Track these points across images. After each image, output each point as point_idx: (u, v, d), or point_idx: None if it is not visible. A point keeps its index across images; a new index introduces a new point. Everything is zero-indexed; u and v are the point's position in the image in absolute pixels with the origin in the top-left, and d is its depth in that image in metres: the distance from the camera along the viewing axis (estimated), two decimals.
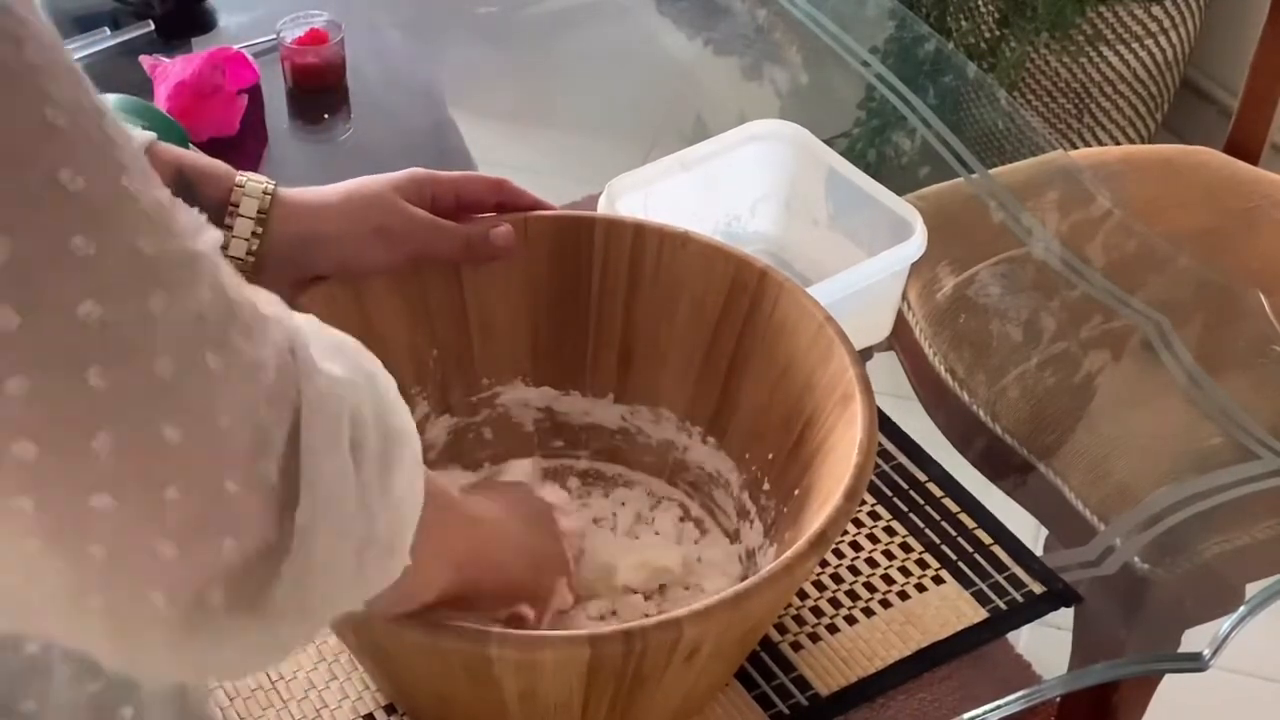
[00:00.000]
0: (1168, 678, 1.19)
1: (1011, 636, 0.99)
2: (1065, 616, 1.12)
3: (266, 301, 0.57)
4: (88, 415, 0.48)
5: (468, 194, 0.97)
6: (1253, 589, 1.04)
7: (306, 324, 0.59)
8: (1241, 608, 0.99)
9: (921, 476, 1.05)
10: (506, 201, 0.99)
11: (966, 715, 0.91)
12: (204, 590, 0.52)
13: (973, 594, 0.97)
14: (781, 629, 0.94)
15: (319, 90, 1.46)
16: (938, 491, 1.04)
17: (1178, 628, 1.09)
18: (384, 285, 0.96)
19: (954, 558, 0.99)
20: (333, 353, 0.59)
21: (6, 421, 0.47)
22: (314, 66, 1.44)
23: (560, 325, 1.01)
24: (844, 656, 0.93)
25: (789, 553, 0.78)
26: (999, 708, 0.92)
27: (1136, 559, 1.07)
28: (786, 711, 0.90)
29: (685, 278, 0.98)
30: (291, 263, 0.93)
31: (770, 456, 0.94)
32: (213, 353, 0.51)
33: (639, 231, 0.99)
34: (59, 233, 0.47)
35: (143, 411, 0.49)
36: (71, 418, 0.48)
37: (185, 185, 0.89)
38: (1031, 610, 0.97)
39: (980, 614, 0.96)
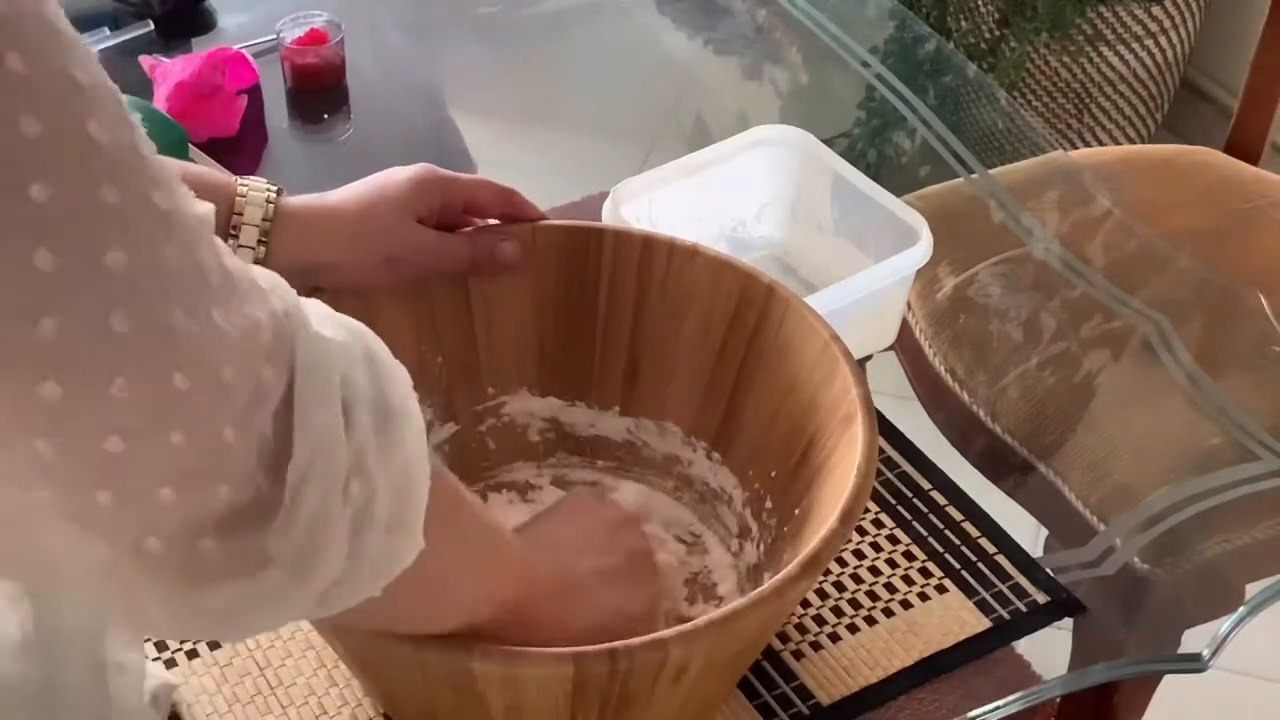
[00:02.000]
0: (1168, 678, 1.19)
1: None
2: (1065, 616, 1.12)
3: (265, 275, 0.59)
4: (110, 359, 0.50)
5: (476, 201, 0.97)
6: (1253, 589, 1.04)
7: (309, 303, 0.61)
8: (1241, 608, 0.99)
9: (925, 484, 1.04)
10: (512, 213, 0.99)
11: (966, 715, 0.91)
12: (198, 537, 0.55)
13: (976, 603, 0.97)
14: (784, 637, 0.94)
15: (319, 90, 1.45)
16: (941, 499, 1.03)
17: (1178, 628, 1.09)
18: (389, 293, 0.96)
19: (957, 566, 0.99)
20: (330, 321, 0.61)
21: (37, 360, 0.49)
22: (314, 66, 1.44)
23: (567, 336, 1.01)
24: (846, 665, 0.93)
25: (779, 575, 0.77)
26: (999, 708, 0.92)
27: (1136, 559, 1.07)
28: None
29: (693, 291, 0.97)
30: (295, 278, 0.93)
31: (773, 474, 0.94)
32: (218, 310, 0.53)
33: (648, 243, 0.98)
34: (91, 183, 0.49)
35: (158, 359, 0.51)
36: (95, 360, 0.50)
37: None
38: (1035, 620, 0.97)
39: (984, 623, 0.96)
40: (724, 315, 0.97)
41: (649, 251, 0.98)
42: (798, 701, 0.90)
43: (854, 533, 1.00)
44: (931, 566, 0.99)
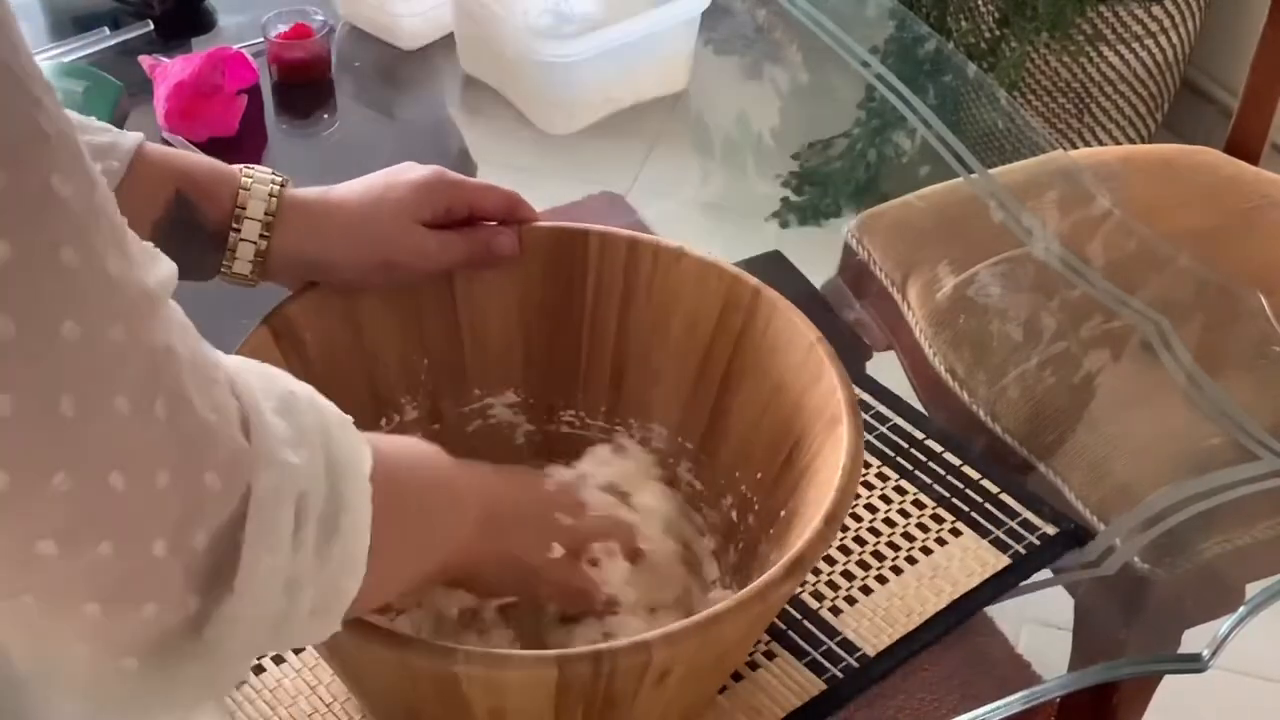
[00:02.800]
0: (1168, 678, 1.18)
1: (1011, 636, 0.99)
2: (1065, 616, 1.12)
3: (240, 374, 0.56)
4: (56, 448, 0.47)
5: (481, 206, 0.97)
6: (1253, 589, 1.04)
7: (258, 381, 0.58)
8: (1241, 608, 0.99)
9: (919, 434, 1.07)
10: (516, 219, 0.98)
11: (966, 715, 0.91)
12: (121, 657, 0.53)
13: (991, 542, 1.00)
14: (818, 595, 0.96)
15: (305, 84, 1.45)
16: (937, 447, 1.06)
17: (1178, 628, 1.09)
18: (375, 294, 0.95)
19: (966, 509, 1.02)
20: (292, 429, 0.58)
21: None
22: (300, 61, 1.44)
23: (553, 338, 1.01)
24: (883, 615, 0.95)
25: (763, 578, 0.77)
26: (999, 708, 0.92)
27: (1136, 559, 1.06)
28: (840, 675, 0.91)
29: (679, 293, 0.97)
30: (292, 274, 0.93)
31: (759, 476, 0.94)
32: (164, 400, 0.50)
33: (633, 245, 0.98)
34: (51, 242, 0.46)
35: (99, 454, 0.48)
36: (42, 448, 0.47)
37: (186, 206, 0.88)
38: (1050, 552, 1.00)
39: (1003, 560, 0.98)
40: (710, 317, 0.96)
41: (634, 254, 0.98)
42: (845, 655, 0.92)
43: (862, 488, 1.02)
44: (942, 512, 1.01)
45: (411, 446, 0.77)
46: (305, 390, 0.62)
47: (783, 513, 0.90)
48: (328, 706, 0.89)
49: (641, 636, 0.74)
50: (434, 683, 0.76)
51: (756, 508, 0.94)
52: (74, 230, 0.47)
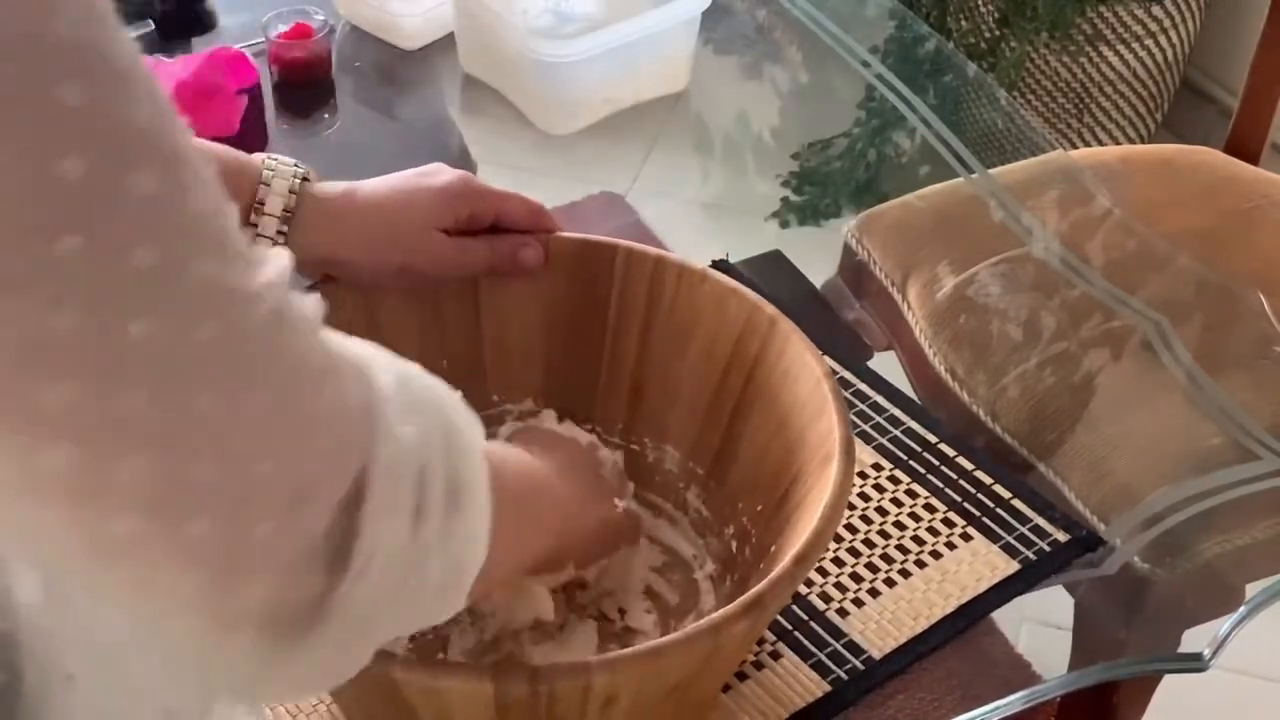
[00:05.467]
0: (1168, 678, 1.19)
1: (1011, 636, 0.99)
2: (1065, 616, 1.12)
3: (361, 353, 0.56)
4: (125, 436, 0.46)
5: (506, 216, 0.96)
6: (1253, 589, 1.04)
7: (373, 354, 0.58)
8: (1241, 608, 0.99)
9: (932, 438, 1.07)
10: (540, 228, 0.98)
11: (966, 715, 0.91)
12: (232, 628, 0.51)
13: (1001, 547, 0.99)
14: (826, 597, 0.96)
15: (306, 84, 1.45)
16: (950, 451, 1.06)
17: (1178, 628, 1.09)
18: (397, 292, 0.95)
19: (977, 514, 1.01)
20: (408, 406, 0.57)
21: (48, 424, 0.45)
22: (300, 60, 1.44)
23: (575, 349, 1.00)
24: (890, 618, 0.95)
25: (718, 613, 0.76)
26: (999, 708, 0.92)
27: (1136, 559, 1.07)
28: (845, 676, 0.91)
29: (700, 315, 0.97)
30: (308, 269, 0.92)
31: (759, 509, 0.93)
32: (264, 396, 0.49)
33: (659, 263, 0.98)
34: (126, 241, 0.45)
35: (182, 439, 0.47)
36: (110, 430, 0.46)
37: None
38: (1060, 558, 0.99)
39: (1012, 566, 0.98)
40: (728, 342, 0.96)
41: (660, 272, 0.98)
42: (850, 657, 0.92)
43: (873, 491, 1.03)
44: (953, 516, 1.01)
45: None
46: (415, 367, 0.61)
47: (773, 548, 0.89)
48: (314, 707, 0.89)
49: (582, 660, 0.74)
50: (379, 688, 0.75)
51: (753, 540, 0.93)
52: (154, 229, 0.47)
